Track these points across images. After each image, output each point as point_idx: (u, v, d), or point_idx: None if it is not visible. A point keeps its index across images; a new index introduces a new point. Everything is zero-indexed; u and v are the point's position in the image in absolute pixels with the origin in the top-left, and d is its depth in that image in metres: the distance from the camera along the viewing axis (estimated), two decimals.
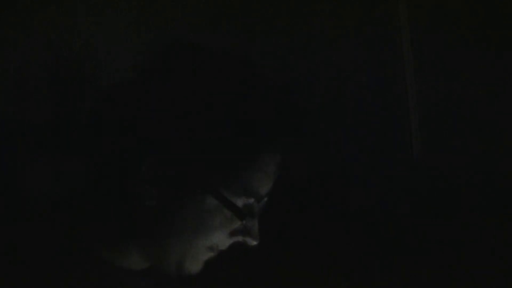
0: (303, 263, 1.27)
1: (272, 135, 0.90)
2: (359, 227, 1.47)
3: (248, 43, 1.47)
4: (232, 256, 0.95)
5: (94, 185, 0.93)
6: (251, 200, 0.92)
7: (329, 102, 1.52)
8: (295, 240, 1.17)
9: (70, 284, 0.91)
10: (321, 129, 1.48)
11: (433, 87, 1.57)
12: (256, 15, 1.49)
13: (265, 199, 0.95)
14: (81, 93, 1.30)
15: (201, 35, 1.44)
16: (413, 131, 1.56)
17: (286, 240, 1.02)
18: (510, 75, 1.55)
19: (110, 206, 0.93)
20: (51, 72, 1.33)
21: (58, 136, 1.20)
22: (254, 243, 0.92)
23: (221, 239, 0.92)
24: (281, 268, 1.04)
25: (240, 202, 0.91)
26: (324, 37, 1.52)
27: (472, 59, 1.56)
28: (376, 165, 1.54)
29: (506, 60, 1.54)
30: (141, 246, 0.94)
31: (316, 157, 1.39)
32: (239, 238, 0.93)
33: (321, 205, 1.40)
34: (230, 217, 0.90)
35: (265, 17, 1.49)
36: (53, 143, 1.19)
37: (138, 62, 0.93)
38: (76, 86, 1.32)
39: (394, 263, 1.47)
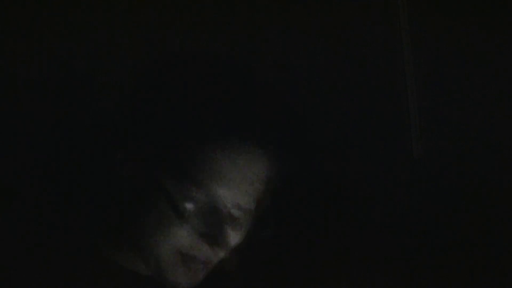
0: (302, 263, 1.27)
1: (232, 137, 0.89)
2: (359, 227, 1.47)
3: (246, 42, 1.47)
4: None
5: (89, 182, 0.94)
6: (217, 204, 0.90)
7: (329, 102, 1.52)
8: (294, 239, 1.17)
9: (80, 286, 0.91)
10: (321, 129, 1.48)
11: (433, 87, 1.57)
12: (253, 14, 1.49)
13: (254, 212, 0.93)
14: (79, 94, 1.31)
15: (202, 36, 1.44)
16: (413, 131, 1.56)
17: (285, 239, 1.02)
18: (511, 75, 1.55)
19: (107, 205, 0.93)
20: (50, 73, 1.34)
21: (56, 135, 1.20)
22: (221, 254, 0.91)
23: (190, 242, 0.91)
24: (279, 268, 1.05)
25: (192, 203, 0.90)
26: (323, 37, 1.52)
27: (472, 59, 1.56)
28: (376, 165, 1.54)
29: (508, 60, 1.54)
30: (132, 246, 0.94)
31: (315, 157, 1.39)
32: (207, 247, 0.92)
33: (320, 205, 1.40)
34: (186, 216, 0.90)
35: (263, 16, 1.49)
36: (52, 142, 1.19)
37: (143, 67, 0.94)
38: (74, 87, 1.32)
39: (394, 263, 1.47)
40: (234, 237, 0.91)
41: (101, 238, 0.95)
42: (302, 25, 1.51)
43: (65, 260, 0.93)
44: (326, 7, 1.53)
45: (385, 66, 1.56)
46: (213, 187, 0.89)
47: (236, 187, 0.91)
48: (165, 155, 0.89)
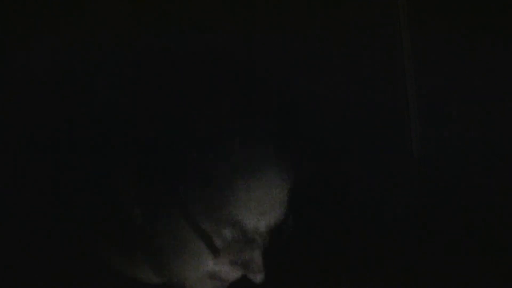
0: (302, 263, 1.27)
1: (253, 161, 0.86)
2: (359, 227, 1.47)
3: (245, 43, 1.47)
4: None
5: (99, 191, 0.93)
6: (249, 235, 0.88)
7: (328, 102, 1.52)
8: (294, 239, 1.17)
9: None
10: (321, 129, 1.47)
11: (433, 87, 1.57)
12: (253, 14, 1.49)
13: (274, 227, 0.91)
14: (79, 98, 1.31)
15: (202, 35, 1.44)
16: (413, 131, 1.56)
17: (284, 239, 1.02)
18: (511, 75, 1.55)
19: (111, 217, 0.92)
20: (51, 74, 1.34)
21: (58, 138, 1.20)
22: (257, 278, 0.89)
23: (221, 268, 0.89)
24: (279, 267, 1.04)
25: (227, 233, 0.88)
26: (323, 37, 1.52)
27: (473, 59, 1.56)
28: (376, 165, 1.54)
29: (508, 60, 1.54)
30: (148, 260, 0.93)
31: (315, 157, 1.39)
32: (241, 270, 0.90)
33: (320, 205, 1.40)
34: (220, 247, 0.87)
35: (263, 17, 1.49)
36: (53, 145, 1.19)
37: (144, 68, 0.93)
38: (76, 89, 1.32)
39: (394, 263, 1.47)
40: (261, 259, 0.90)
41: (113, 250, 0.94)
42: (302, 25, 1.51)
43: (78, 270, 0.93)
44: (326, 7, 1.53)
45: (385, 66, 1.56)
46: (249, 221, 0.87)
47: (269, 216, 0.90)
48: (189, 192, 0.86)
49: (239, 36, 1.47)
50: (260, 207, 0.87)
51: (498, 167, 1.54)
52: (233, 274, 0.90)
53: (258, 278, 0.89)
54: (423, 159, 1.56)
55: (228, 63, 0.98)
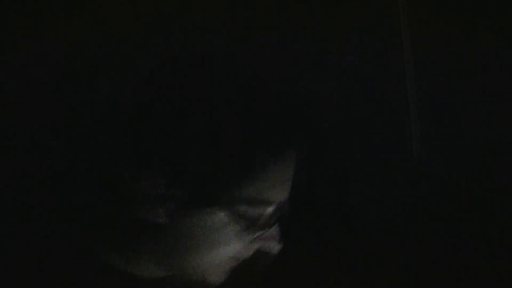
0: (301, 263, 1.27)
1: (278, 142, 0.88)
2: (359, 227, 1.47)
3: (245, 43, 1.47)
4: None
5: (100, 190, 0.93)
6: (271, 209, 0.90)
7: (328, 102, 1.52)
8: (294, 240, 1.17)
9: None
10: (321, 129, 1.48)
11: (433, 87, 1.57)
12: (253, 14, 1.49)
13: (285, 204, 0.93)
14: (81, 97, 1.31)
15: (202, 37, 1.44)
16: (413, 131, 1.56)
17: (284, 239, 1.02)
18: (511, 75, 1.55)
19: (117, 214, 0.92)
20: (52, 74, 1.34)
21: (58, 138, 1.20)
22: (276, 248, 0.92)
23: (242, 249, 0.91)
24: (279, 267, 1.05)
25: (257, 211, 0.89)
26: (323, 37, 1.52)
27: (473, 59, 1.56)
28: (376, 165, 1.54)
29: (508, 60, 1.54)
30: (157, 259, 0.93)
31: (315, 157, 1.39)
32: (260, 246, 0.92)
33: (320, 206, 1.40)
34: (246, 228, 0.89)
35: (263, 17, 1.49)
36: (53, 145, 1.19)
37: (144, 68, 0.93)
38: (76, 89, 1.32)
39: (394, 263, 1.47)
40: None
41: (111, 247, 0.95)
42: (302, 25, 1.52)
43: (74, 266, 0.93)
44: (326, 7, 1.53)
45: (385, 66, 1.56)
46: (278, 198, 0.89)
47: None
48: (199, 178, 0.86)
49: (239, 36, 1.47)
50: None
51: (498, 167, 1.54)
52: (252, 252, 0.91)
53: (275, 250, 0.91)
54: (423, 159, 1.56)
55: (228, 63, 0.98)
